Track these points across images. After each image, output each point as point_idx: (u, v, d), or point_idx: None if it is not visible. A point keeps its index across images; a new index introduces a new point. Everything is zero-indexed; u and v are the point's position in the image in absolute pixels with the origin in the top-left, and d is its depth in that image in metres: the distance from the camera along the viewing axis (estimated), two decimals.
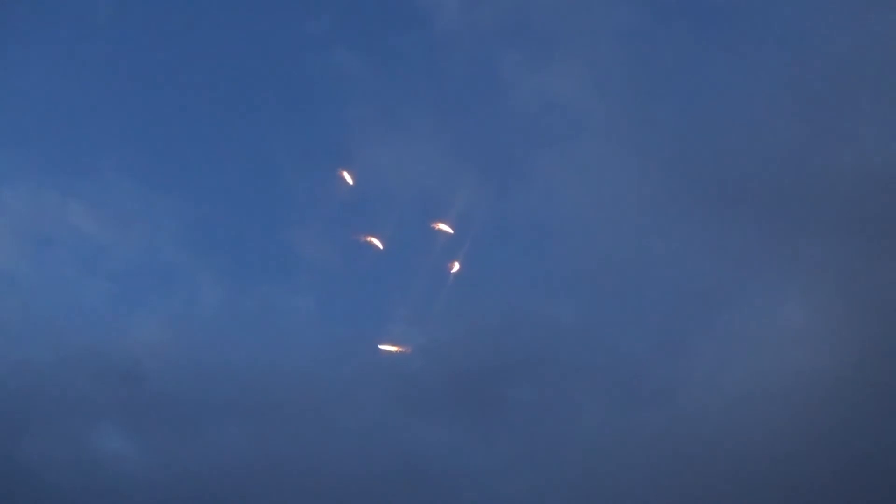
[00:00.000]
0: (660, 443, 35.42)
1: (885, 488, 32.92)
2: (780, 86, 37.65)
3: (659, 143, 38.54)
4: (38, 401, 35.68)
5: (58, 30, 38.95)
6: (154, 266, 39.38)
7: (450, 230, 34.38)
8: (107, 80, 39.63)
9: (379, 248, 34.61)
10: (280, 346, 37.85)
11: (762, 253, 37.22)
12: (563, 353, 37.56)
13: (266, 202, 40.13)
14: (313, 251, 38.43)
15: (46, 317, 37.48)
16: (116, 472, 35.76)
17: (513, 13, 39.69)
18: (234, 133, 40.14)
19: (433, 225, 34.57)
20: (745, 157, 37.62)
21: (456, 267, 34.57)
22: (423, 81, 39.31)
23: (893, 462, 33.10)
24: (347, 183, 34.54)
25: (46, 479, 34.84)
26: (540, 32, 39.69)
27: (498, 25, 39.65)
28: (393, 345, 34.74)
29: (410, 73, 39.58)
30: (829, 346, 35.26)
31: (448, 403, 37.73)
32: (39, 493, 34.57)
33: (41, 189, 38.47)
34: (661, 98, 38.95)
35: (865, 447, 33.48)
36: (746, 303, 37.63)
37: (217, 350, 37.72)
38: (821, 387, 34.40)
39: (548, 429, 36.71)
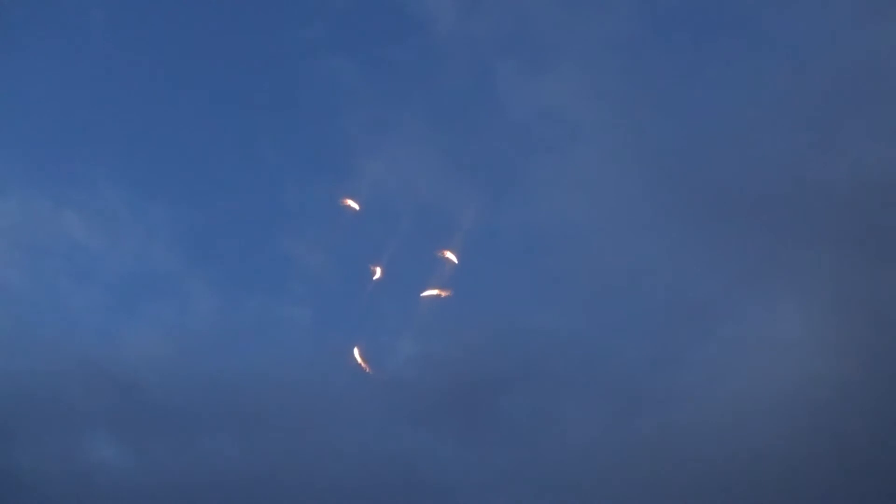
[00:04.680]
0: (655, 454, 35.22)
1: (883, 497, 32.84)
2: (776, 97, 37.80)
3: (655, 154, 38.67)
4: (31, 410, 35.59)
5: (51, 41, 39.31)
6: (148, 275, 39.52)
7: (454, 259, 34.20)
8: (100, 90, 39.96)
9: (378, 276, 34.48)
10: (274, 357, 37.77)
11: (758, 262, 37.21)
12: (557, 364, 37.54)
13: (261, 211, 40.22)
14: (308, 261, 38.39)
15: (39, 326, 37.61)
16: (109, 481, 35.63)
17: (509, 22, 39.92)
18: (229, 142, 40.31)
19: (438, 253, 34.35)
20: (740, 167, 37.70)
21: (446, 292, 34.44)
22: (419, 90, 39.38)
23: (891, 471, 32.99)
24: (354, 209, 34.46)
25: (39, 488, 34.65)
26: (536, 41, 39.88)
27: (494, 34, 39.79)
28: (364, 361, 34.49)
29: (406, 81, 39.69)
30: (825, 355, 35.10)
31: (443, 414, 37.60)
32: (32, 502, 34.39)
33: (34, 199, 38.60)
34: (658, 108, 39.11)
35: (863, 456, 33.26)
36: (742, 313, 37.52)
37: (211, 360, 37.66)
38: (817, 396, 34.22)
39: (542, 439, 36.59)
